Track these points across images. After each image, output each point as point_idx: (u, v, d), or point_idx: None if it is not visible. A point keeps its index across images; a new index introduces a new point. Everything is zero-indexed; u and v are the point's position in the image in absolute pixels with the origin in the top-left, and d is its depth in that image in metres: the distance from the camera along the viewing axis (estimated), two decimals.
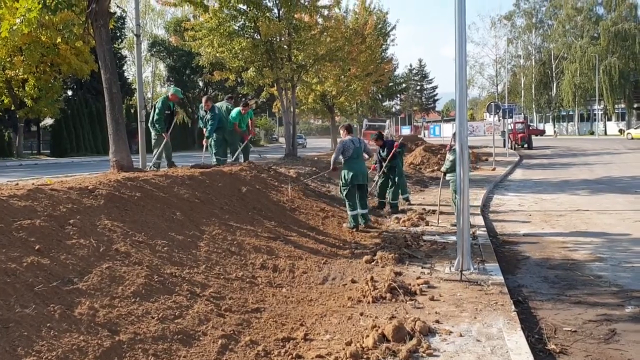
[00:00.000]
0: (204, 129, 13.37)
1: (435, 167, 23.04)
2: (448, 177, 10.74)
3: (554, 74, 73.71)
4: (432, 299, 5.89)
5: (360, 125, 41.75)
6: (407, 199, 13.34)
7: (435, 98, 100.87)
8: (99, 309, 4.29)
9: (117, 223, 5.83)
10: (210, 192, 8.36)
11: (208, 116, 13.26)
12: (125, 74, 52.63)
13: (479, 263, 7.42)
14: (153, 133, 12.83)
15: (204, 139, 13.41)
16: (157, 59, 55.85)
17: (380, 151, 12.95)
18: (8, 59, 26.89)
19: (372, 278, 6.52)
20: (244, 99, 15.24)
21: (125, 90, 45.70)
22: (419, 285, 6.31)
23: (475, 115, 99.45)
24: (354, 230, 9.76)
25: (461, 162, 7.10)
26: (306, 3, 19.68)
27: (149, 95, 61.05)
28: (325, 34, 20.69)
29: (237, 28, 18.92)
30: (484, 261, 7.53)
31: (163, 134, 12.56)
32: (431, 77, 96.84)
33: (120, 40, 49.90)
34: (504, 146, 38.12)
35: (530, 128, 62.15)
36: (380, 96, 45.94)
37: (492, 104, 27.19)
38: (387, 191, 12.71)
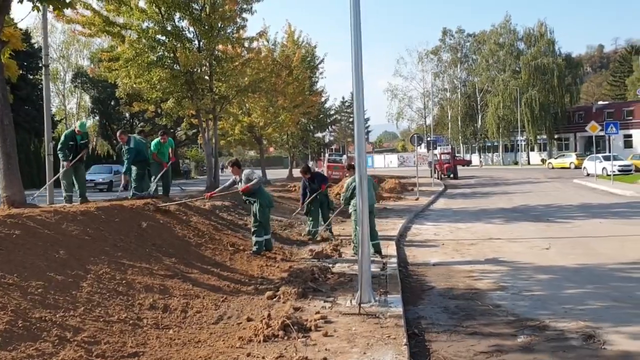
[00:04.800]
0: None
1: None
2: (350, 208, 10.71)
3: (479, 106, 76.52)
4: (325, 334, 5.71)
5: (291, 156, 41.78)
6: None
7: (368, 130, 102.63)
8: None
9: None
10: (104, 228, 7.96)
11: (124, 149, 12.88)
12: None
13: (382, 295, 7.31)
14: (61, 165, 12.43)
15: (123, 174, 12.88)
16: (82, 91, 54.33)
17: (310, 183, 13.10)
18: None
19: (268, 315, 6.29)
20: (162, 130, 14.91)
21: None
22: (315, 320, 6.12)
23: (406, 147, 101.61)
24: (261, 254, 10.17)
25: (360, 192, 7.03)
26: (228, 35, 19.59)
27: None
28: (247, 65, 20.59)
29: (155, 59, 18.52)
30: (387, 292, 7.44)
31: (65, 163, 12.16)
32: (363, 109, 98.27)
33: (41, 71, 48.35)
34: (432, 176, 38.92)
35: (457, 159, 63.89)
36: (311, 127, 46.16)
37: (415, 135, 27.75)
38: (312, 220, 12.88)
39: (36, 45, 48.24)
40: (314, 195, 12.97)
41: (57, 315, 5.17)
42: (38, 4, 8.55)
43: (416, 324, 6.53)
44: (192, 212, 11.59)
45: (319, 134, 48.70)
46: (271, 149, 63.57)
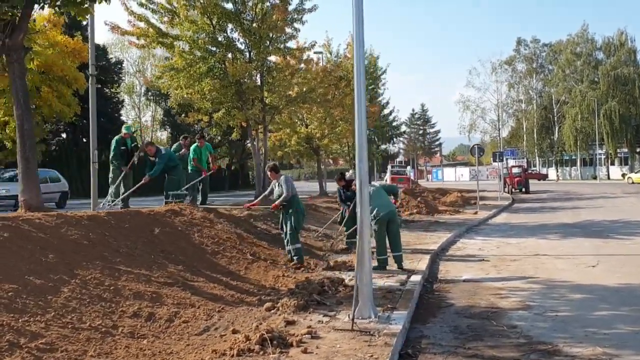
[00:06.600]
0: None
1: (415, 210, 22.52)
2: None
3: (555, 118, 73.39)
4: (305, 351, 5.28)
5: (352, 167, 41.31)
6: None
7: (439, 142, 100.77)
8: None
9: None
10: (110, 234, 7.86)
11: (156, 160, 12.87)
12: (123, 117, 52.94)
13: (387, 310, 6.80)
14: (111, 170, 12.62)
15: (145, 177, 12.60)
16: (155, 104, 56.20)
17: (344, 191, 12.82)
18: None
19: (256, 327, 5.95)
20: (199, 132, 14.96)
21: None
22: (301, 335, 5.71)
23: (482, 160, 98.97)
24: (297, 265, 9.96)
25: (361, 200, 6.57)
26: (278, 45, 19.54)
27: (148, 139, 61.31)
28: (296, 75, 20.45)
29: (206, 69, 18.63)
30: (394, 308, 6.92)
31: (122, 168, 12.37)
32: (434, 121, 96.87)
33: (117, 84, 50.30)
34: (501, 190, 37.44)
35: (531, 172, 61.51)
36: (375, 139, 45.70)
37: (476, 146, 26.74)
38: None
39: (113, 60, 50.33)
40: (350, 205, 12.64)
41: (20, 320, 5.01)
42: (58, 9, 8.65)
43: (415, 343, 6.00)
44: (220, 219, 11.41)
45: (384, 146, 48.05)
46: (340, 162, 63.42)
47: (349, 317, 6.43)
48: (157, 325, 5.97)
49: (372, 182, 12.46)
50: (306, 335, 5.75)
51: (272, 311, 6.86)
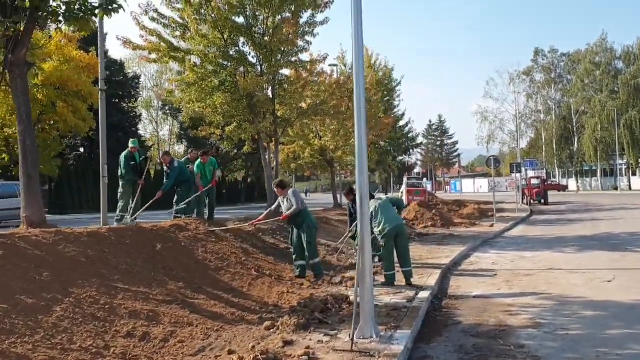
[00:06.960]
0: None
1: (429, 223, 22.22)
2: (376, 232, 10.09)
3: (574, 128, 72.45)
4: None
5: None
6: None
7: (458, 153, 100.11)
8: None
9: None
10: (109, 250, 7.73)
11: (168, 171, 12.92)
12: (141, 131, 53.31)
13: (390, 329, 6.58)
14: (120, 185, 12.67)
15: (158, 192, 12.71)
16: (172, 118, 56.57)
17: (353, 205, 12.57)
18: (9, 117, 27.19)
19: (253, 348, 5.77)
20: (204, 149, 14.92)
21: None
22: (298, 356, 5.53)
23: (501, 171, 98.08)
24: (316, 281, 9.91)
25: (361, 214, 6.39)
26: (289, 58, 19.47)
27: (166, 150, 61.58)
28: (307, 87, 20.34)
29: (217, 83, 18.61)
30: (397, 327, 6.70)
31: (138, 182, 12.60)
32: (452, 132, 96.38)
33: (135, 99, 50.74)
34: (520, 202, 36.94)
35: (550, 183, 60.71)
36: (391, 150, 45.42)
37: (492, 158, 26.40)
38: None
39: (130, 74, 50.80)
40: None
41: (7, 342, 4.88)
42: (59, 24, 8.63)
43: None
44: (226, 234, 11.26)
45: (400, 158, 47.73)
46: (348, 174, 63.40)
47: (349, 336, 6.23)
48: (151, 345, 5.81)
49: (380, 195, 12.24)
50: (303, 357, 5.56)
51: (272, 330, 6.67)
